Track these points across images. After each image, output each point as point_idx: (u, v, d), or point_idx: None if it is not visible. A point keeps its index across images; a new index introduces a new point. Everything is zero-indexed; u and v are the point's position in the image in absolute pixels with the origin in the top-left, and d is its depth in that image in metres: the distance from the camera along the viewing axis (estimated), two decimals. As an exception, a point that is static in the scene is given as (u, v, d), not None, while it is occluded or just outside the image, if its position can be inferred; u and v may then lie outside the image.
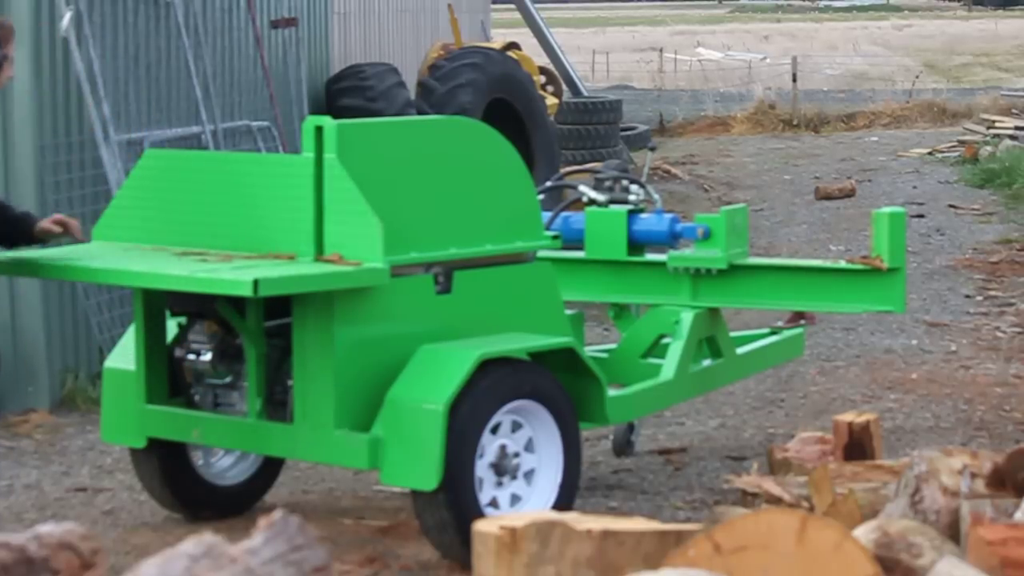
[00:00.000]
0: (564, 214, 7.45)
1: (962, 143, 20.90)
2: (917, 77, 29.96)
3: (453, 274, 6.14)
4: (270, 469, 6.80)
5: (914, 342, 9.92)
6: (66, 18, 8.72)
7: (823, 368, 9.27)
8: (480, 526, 3.85)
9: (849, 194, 17.09)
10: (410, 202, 6.00)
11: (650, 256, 7.37)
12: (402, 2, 15.98)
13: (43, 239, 6.50)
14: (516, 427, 6.03)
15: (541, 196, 6.71)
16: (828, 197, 16.90)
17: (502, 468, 5.98)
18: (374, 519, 6.56)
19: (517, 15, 20.68)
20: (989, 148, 19.78)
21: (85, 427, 8.20)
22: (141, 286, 6.15)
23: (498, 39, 17.26)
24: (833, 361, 9.46)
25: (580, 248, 7.38)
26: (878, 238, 7.11)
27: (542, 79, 16.67)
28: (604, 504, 6.80)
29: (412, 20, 16.25)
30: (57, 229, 6.45)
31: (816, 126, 25.30)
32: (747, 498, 5.99)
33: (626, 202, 7.35)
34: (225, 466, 6.73)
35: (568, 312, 6.75)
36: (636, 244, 7.32)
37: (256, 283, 5.46)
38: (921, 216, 15.24)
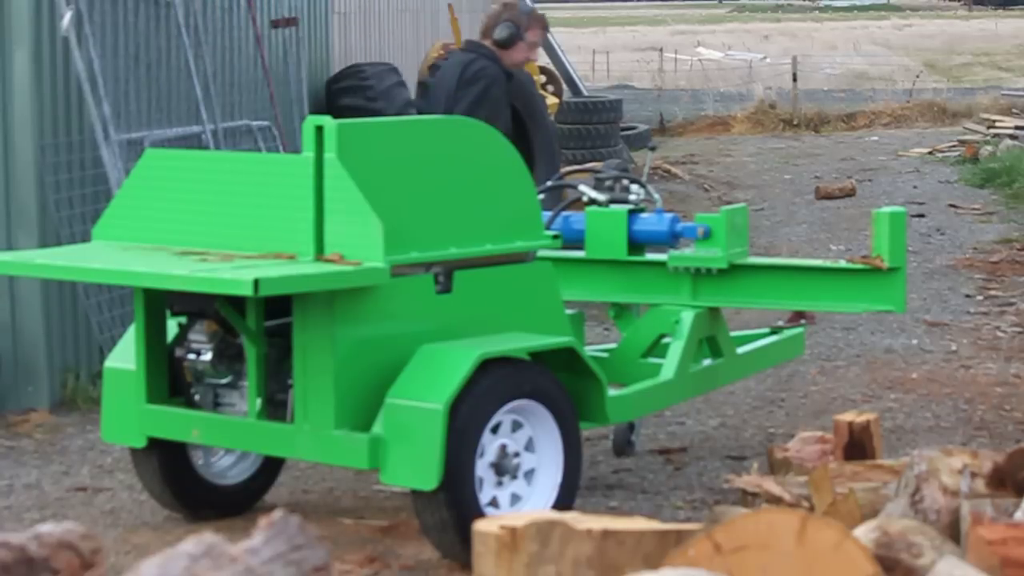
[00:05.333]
0: (564, 214, 7.45)
1: (962, 143, 20.90)
2: (917, 77, 29.97)
3: (453, 274, 6.14)
4: (270, 469, 6.80)
5: (914, 342, 9.92)
6: (66, 18, 8.72)
7: (823, 368, 9.27)
8: (480, 526, 3.85)
9: (849, 194, 17.09)
10: (410, 202, 6.00)
11: (650, 256, 7.37)
12: (402, 2, 15.98)
13: None
14: (516, 427, 6.03)
15: (541, 196, 6.71)
16: (828, 197, 16.90)
17: (502, 468, 5.98)
18: (374, 519, 6.56)
19: (517, 15, 20.67)
20: (989, 148, 19.78)
21: (85, 427, 8.20)
22: (141, 286, 6.15)
23: (498, 39, 17.23)
24: (833, 361, 9.46)
25: (580, 248, 7.38)
26: (878, 238, 7.11)
27: (542, 79, 16.66)
28: (604, 504, 6.80)
29: (412, 20, 16.25)
30: None
31: (816, 126, 25.30)
32: (747, 498, 5.98)
33: (626, 202, 7.35)
34: (225, 466, 6.73)
35: (568, 312, 6.74)
36: (636, 244, 7.32)
37: (256, 283, 5.46)
38: (921, 216, 15.24)
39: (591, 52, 39.84)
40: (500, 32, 7.81)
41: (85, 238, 7.53)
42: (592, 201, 7.38)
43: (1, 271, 7.05)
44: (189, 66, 10.07)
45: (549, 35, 20.11)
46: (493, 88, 7.70)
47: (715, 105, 27.22)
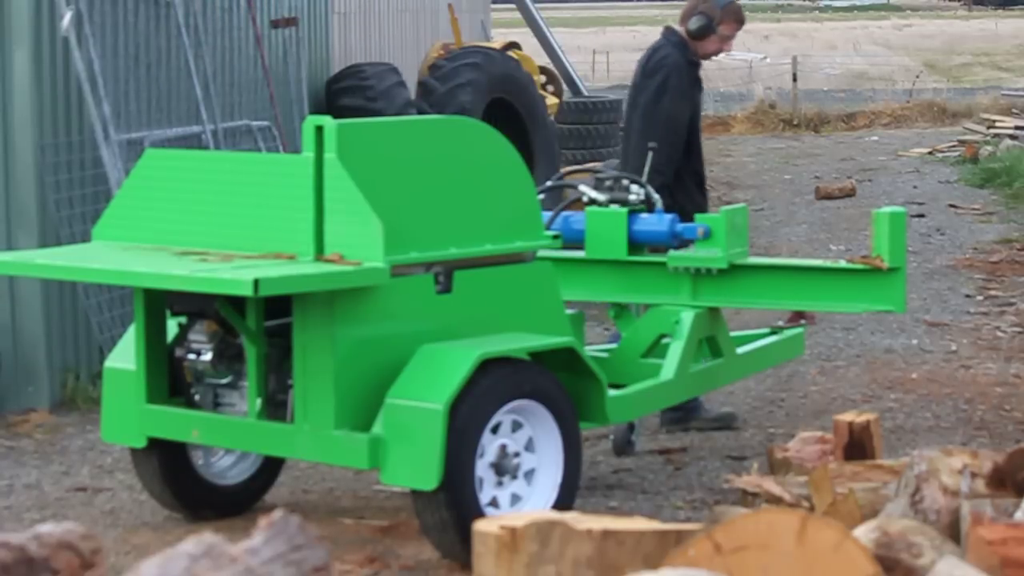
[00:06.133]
0: (564, 214, 7.45)
1: (962, 143, 20.90)
2: (917, 77, 29.97)
3: (453, 274, 6.14)
4: (270, 469, 6.80)
5: (914, 342, 9.92)
6: (66, 18, 8.72)
7: (823, 368, 9.27)
8: (480, 526, 3.85)
9: (849, 194, 17.09)
10: (410, 202, 6.00)
11: (650, 256, 7.37)
12: (402, 2, 15.97)
13: None
14: (516, 427, 6.03)
15: (541, 196, 6.71)
16: (828, 197, 16.90)
17: (502, 468, 5.98)
18: (374, 519, 6.56)
19: (517, 15, 20.67)
20: (989, 148, 19.78)
21: (85, 427, 8.20)
22: (141, 286, 6.15)
23: (498, 39, 17.26)
24: (833, 361, 9.45)
25: (580, 248, 7.38)
26: (878, 238, 7.11)
27: (542, 79, 16.66)
28: (604, 504, 6.80)
29: (412, 20, 16.24)
30: None
31: (816, 126, 25.30)
32: (747, 498, 5.98)
33: (626, 202, 7.35)
34: (225, 466, 6.73)
35: (569, 312, 6.74)
36: (636, 244, 7.32)
37: (256, 283, 5.46)
38: (921, 216, 15.24)
39: (591, 52, 39.78)
40: (693, 23, 8.01)
41: (85, 238, 7.53)
42: (592, 201, 7.38)
43: (1, 271, 7.05)
44: (189, 66, 10.07)
45: (549, 35, 20.17)
46: (672, 77, 7.91)
47: (715, 105, 27.20)
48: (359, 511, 6.71)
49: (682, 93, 7.93)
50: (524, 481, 6.05)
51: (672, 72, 7.92)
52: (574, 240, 7.34)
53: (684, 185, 7.96)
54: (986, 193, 17.08)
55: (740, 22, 8.16)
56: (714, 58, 8.38)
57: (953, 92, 28.29)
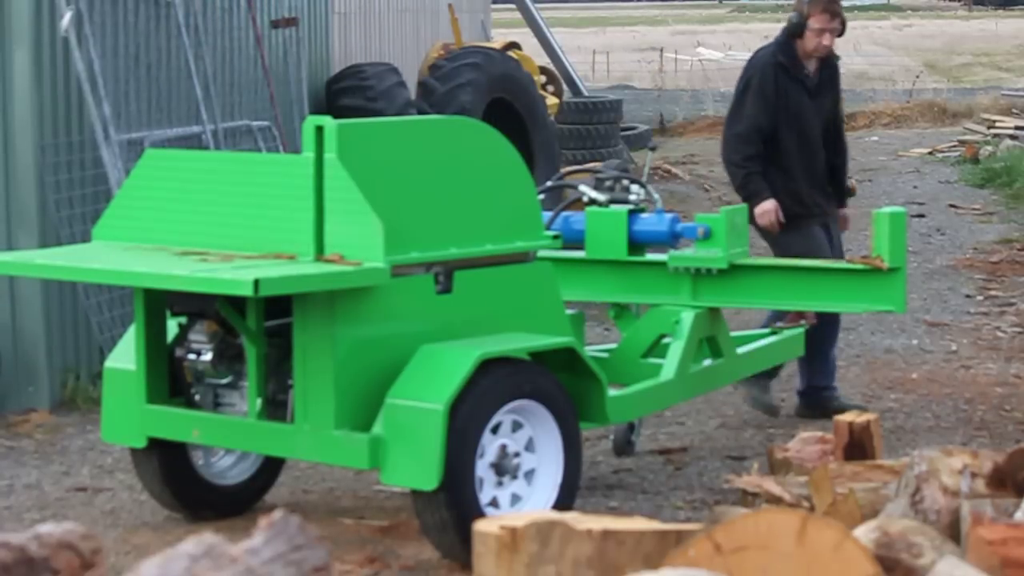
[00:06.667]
0: (564, 214, 7.45)
1: (962, 143, 20.88)
2: (917, 77, 29.94)
3: (453, 274, 6.14)
4: (270, 469, 6.80)
5: (914, 342, 9.92)
6: (66, 18, 8.72)
7: (823, 368, 9.25)
8: (480, 526, 3.85)
9: (849, 194, 17.06)
10: (410, 202, 6.00)
11: (650, 256, 7.38)
12: (402, 2, 15.97)
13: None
14: (516, 427, 6.03)
15: (541, 196, 6.72)
16: (828, 197, 16.87)
17: (502, 468, 5.98)
18: (374, 519, 6.56)
19: (517, 15, 20.68)
20: (989, 148, 19.78)
21: (85, 427, 8.20)
22: (141, 286, 6.15)
23: (498, 39, 17.25)
24: (833, 361, 9.45)
25: (580, 248, 7.38)
26: (879, 238, 7.12)
27: (542, 79, 16.66)
28: (604, 504, 6.81)
29: (412, 20, 16.24)
30: None
31: (816, 126, 25.25)
32: (747, 498, 5.99)
33: (626, 202, 7.35)
34: (225, 466, 6.73)
35: (568, 312, 6.75)
36: (636, 244, 7.32)
37: (257, 283, 5.46)
38: (922, 216, 15.24)
39: (591, 52, 39.77)
40: (789, 22, 8.06)
41: (85, 238, 7.53)
42: (592, 201, 7.38)
43: (1, 271, 7.06)
44: (189, 66, 10.07)
45: (549, 35, 20.16)
46: (755, 78, 7.99)
47: (715, 105, 27.16)
48: (359, 511, 6.71)
49: (762, 93, 7.96)
50: (524, 481, 6.06)
51: (755, 73, 8.00)
52: (574, 240, 7.35)
53: (794, 181, 8.12)
54: (986, 193, 17.08)
55: (828, 12, 7.98)
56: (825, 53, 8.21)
57: (953, 92, 28.27)
